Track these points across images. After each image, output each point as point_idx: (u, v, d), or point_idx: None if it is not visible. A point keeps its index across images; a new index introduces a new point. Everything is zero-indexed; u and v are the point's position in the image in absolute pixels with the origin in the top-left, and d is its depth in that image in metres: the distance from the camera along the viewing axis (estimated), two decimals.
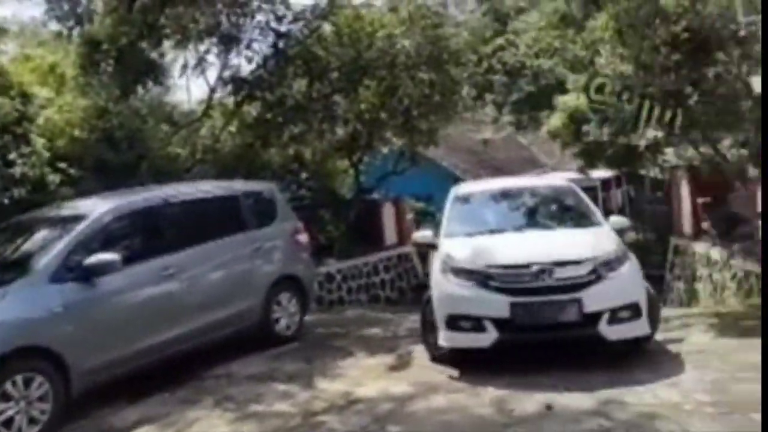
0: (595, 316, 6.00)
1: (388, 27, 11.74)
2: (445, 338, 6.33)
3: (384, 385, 6.16)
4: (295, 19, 10.62)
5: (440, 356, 6.58)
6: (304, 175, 14.91)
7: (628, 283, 6.26)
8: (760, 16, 8.59)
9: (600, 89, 13.01)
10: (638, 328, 6.20)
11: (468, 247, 6.62)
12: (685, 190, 14.64)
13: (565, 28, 14.74)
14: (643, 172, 21.25)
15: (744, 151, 12.83)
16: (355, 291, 14.15)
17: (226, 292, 7.14)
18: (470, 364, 6.31)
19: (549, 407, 5.24)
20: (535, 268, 6.07)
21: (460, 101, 13.50)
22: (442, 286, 6.45)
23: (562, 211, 7.69)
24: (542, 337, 6.14)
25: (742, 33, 10.44)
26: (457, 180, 24.88)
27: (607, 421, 4.92)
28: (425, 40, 11.80)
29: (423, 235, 7.37)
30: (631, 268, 6.36)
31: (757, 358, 5.21)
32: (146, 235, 6.76)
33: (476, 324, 6.11)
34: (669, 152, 16.67)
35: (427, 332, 6.77)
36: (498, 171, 22.77)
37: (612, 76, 12.14)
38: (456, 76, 12.73)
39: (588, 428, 4.83)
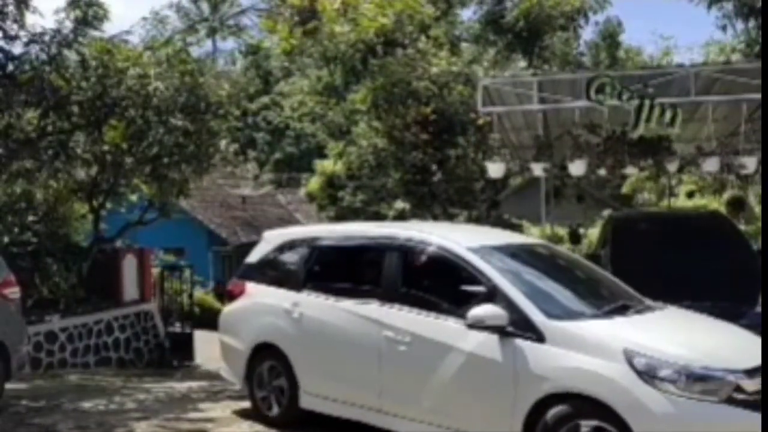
0: None
1: (142, 66, 10.96)
2: None
3: None
4: (31, 42, 9.39)
5: None
6: (31, 218, 13.14)
7: None
8: (495, 107, 9.55)
9: (356, 158, 13.57)
10: None
11: (654, 339, 4.63)
12: None
13: (328, 96, 15.21)
14: None
15: None
16: (82, 352, 12.58)
17: None
18: None
19: None
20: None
21: (217, 154, 12.99)
22: (653, 406, 4.21)
23: (597, 282, 5.79)
24: None
25: (480, 121, 11.67)
26: (211, 234, 24.17)
27: None
28: (183, 86, 11.21)
29: (495, 314, 4.70)
30: None
31: None
32: None
33: None
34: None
35: None
36: (254, 228, 22.41)
37: (367, 147, 12.75)
38: (214, 128, 12.25)
39: None
